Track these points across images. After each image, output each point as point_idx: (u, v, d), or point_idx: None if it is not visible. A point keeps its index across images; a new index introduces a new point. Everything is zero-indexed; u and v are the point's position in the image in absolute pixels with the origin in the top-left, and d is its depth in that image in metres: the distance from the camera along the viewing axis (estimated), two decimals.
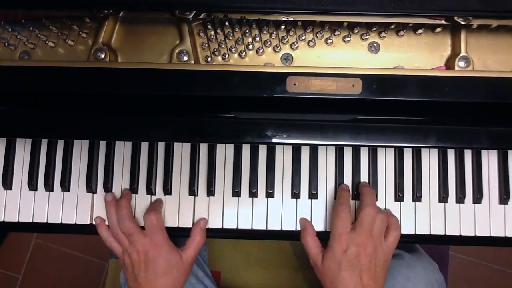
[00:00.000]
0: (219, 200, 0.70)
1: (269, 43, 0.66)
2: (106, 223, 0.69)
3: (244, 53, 0.66)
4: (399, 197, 0.69)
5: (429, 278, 0.72)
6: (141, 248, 0.64)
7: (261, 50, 0.65)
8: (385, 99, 0.60)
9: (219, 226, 0.69)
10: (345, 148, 0.70)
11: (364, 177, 0.70)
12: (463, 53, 0.64)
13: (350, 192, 0.69)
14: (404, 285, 0.71)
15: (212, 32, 0.65)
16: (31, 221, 0.70)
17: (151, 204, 0.69)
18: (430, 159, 0.71)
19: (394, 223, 0.66)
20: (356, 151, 0.70)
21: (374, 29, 0.65)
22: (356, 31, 0.65)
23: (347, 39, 0.65)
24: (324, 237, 0.66)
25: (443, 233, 0.69)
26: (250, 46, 0.66)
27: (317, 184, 0.70)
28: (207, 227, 0.69)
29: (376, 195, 0.69)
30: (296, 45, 0.66)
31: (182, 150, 0.71)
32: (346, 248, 0.61)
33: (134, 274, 0.65)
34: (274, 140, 0.64)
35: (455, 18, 0.61)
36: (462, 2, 0.59)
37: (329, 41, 0.66)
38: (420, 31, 0.65)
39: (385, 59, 0.66)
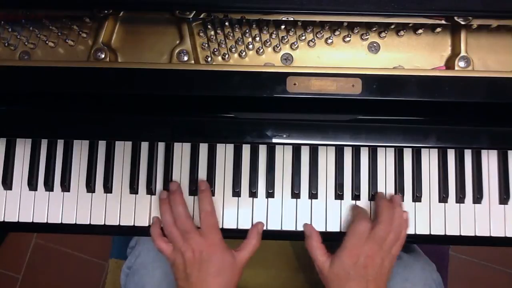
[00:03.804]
0: (219, 200, 0.70)
1: (269, 43, 0.66)
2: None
3: (244, 53, 0.66)
4: None
5: (427, 278, 0.72)
6: (197, 247, 0.63)
7: (261, 50, 0.65)
8: (385, 99, 0.60)
9: (219, 226, 0.69)
10: (345, 148, 0.70)
11: (364, 177, 0.70)
12: (463, 53, 0.64)
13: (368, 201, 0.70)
14: (402, 285, 0.71)
15: (212, 32, 0.65)
16: (31, 221, 0.70)
17: (205, 204, 0.67)
18: (430, 159, 0.71)
19: (403, 236, 0.66)
20: (356, 151, 0.70)
21: (374, 29, 0.65)
22: (356, 31, 0.65)
23: (347, 39, 0.65)
24: (324, 238, 0.66)
25: (443, 233, 0.69)
26: (250, 46, 0.66)
27: (317, 184, 0.70)
28: None
29: None
30: (296, 45, 0.66)
31: (182, 150, 0.71)
32: (357, 260, 0.62)
33: (186, 274, 0.63)
34: (274, 140, 0.64)
35: (455, 18, 0.61)
36: (462, 2, 0.59)
37: (329, 41, 0.66)
38: (420, 31, 0.65)
39: (385, 59, 0.66)
